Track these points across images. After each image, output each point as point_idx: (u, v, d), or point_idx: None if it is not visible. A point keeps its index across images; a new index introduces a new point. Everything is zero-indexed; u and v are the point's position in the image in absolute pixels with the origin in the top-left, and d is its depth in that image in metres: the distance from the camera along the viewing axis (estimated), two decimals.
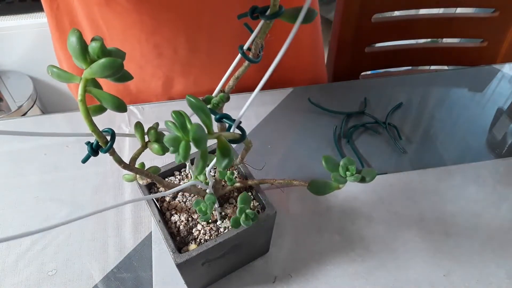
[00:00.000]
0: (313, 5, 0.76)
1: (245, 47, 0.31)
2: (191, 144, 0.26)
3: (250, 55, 0.31)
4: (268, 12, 0.26)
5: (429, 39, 1.25)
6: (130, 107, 0.71)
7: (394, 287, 0.50)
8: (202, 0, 0.62)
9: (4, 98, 1.42)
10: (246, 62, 0.32)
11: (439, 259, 0.52)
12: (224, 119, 0.31)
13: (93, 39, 0.26)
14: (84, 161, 0.31)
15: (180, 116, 0.27)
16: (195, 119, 0.28)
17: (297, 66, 0.80)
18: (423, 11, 1.07)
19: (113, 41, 0.66)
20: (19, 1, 1.35)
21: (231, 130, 0.31)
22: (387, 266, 0.51)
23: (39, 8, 1.38)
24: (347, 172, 0.36)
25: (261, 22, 0.28)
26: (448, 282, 0.50)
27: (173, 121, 0.28)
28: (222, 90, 0.36)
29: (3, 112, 1.38)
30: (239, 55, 0.31)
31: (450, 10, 1.18)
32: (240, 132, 0.31)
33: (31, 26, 1.37)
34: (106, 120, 0.68)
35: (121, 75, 0.27)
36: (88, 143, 0.31)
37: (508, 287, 0.50)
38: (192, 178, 0.42)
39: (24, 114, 1.40)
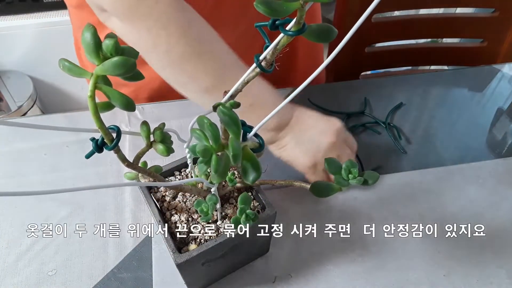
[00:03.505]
0: (315, 11, 0.76)
1: (261, 57, 0.31)
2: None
3: (264, 64, 0.31)
4: (291, 28, 0.27)
5: (429, 39, 1.25)
6: None
7: (394, 287, 0.50)
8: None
9: (4, 98, 1.42)
10: (258, 69, 0.32)
11: (439, 259, 0.52)
12: (242, 126, 0.31)
13: (107, 36, 0.26)
14: (88, 156, 0.31)
15: (215, 129, 0.27)
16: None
17: (293, 66, 0.79)
18: (423, 11, 1.07)
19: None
20: (19, 1, 1.35)
21: (248, 136, 0.31)
22: (387, 266, 0.51)
23: (39, 8, 1.38)
24: (350, 175, 0.36)
25: (281, 35, 0.28)
26: (448, 282, 0.50)
27: (201, 129, 0.28)
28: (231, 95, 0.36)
29: (3, 112, 1.37)
30: (254, 65, 0.31)
31: (450, 10, 1.18)
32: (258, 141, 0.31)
33: (31, 26, 1.37)
34: (106, 119, 0.68)
35: (133, 74, 0.27)
36: (93, 139, 0.31)
37: (508, 287, 0.50)
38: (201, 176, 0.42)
39: (24, 114, 1.40)
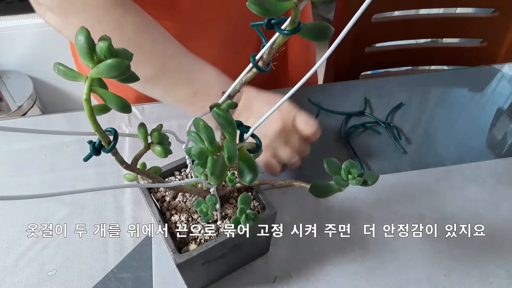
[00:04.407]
0: (306, 11, 0.76)
1: (258, 57, 0.31)
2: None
3: (260, 63, 0.31)
4: (286, 27, 0.27)
5: (429, 39, 1.25)
6: None
7: (394, 287, 0.50)
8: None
9: (4, 98, 1.42)
10: (255, 69, 0.32)
11: (439, 259, 0.52)
12: (238, 127, 0.31)
13: (101, 39, 0.26)
14: (86, 159, 0.31)
15: (210, 131, 0.27)
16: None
17: (284, 68, 0.79)
18: (423, 11, 1.07)
19: None
20: (19, 1, 1.35)
21: (245, 137, 0.31)
22: (387, 266, 0.51)
23: None
24: (349, 175, 0.36)
25: (277, 34, 0.28)
26: (448, 282, 0.50)
27: (197, 132, 0.28)
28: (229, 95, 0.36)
29: (3, 112, 1.37)
30: (250, 65, 0.31)
31: (450, 10, 1.18)
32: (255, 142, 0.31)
33: (31, 26, 1.37)
34: (106, 119, 0.68)
35: (127, 76, 0.27)
36: (90, 142, 0.31)
37: (508, 287, 0.50)
38: (198, 177, 0.42)
39: (24, 114, 1.40)
